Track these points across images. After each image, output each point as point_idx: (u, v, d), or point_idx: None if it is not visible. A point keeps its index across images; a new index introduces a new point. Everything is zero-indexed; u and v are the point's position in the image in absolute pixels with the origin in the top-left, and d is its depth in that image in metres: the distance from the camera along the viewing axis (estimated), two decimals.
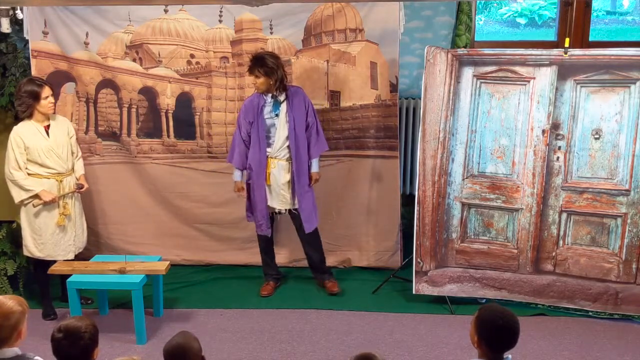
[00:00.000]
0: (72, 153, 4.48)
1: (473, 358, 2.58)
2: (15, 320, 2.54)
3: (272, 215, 4.72)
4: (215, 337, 4.19)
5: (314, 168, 4.66)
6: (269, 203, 4.63)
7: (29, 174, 4.27)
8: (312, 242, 4.78)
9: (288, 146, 4.55)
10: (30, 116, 4.30)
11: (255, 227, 4.75)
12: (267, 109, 4.52)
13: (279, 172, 4.58)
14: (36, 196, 4.26)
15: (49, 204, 4.30)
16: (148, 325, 4.17)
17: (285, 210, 4.68)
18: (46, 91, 4.26)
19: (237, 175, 4.67)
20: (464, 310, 4.44)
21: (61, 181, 4.36)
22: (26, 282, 4.78)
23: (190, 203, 5.25)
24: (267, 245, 4.84)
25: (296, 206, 4.63)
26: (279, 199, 4.62)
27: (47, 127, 4.34)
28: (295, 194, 4.60)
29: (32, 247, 4.39)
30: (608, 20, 6.78)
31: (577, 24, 5.23)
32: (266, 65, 4.39)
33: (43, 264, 4.38)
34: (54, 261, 4.35)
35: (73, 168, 4.49)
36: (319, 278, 4.91)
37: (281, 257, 5.24)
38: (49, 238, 4.37)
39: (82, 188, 4.49)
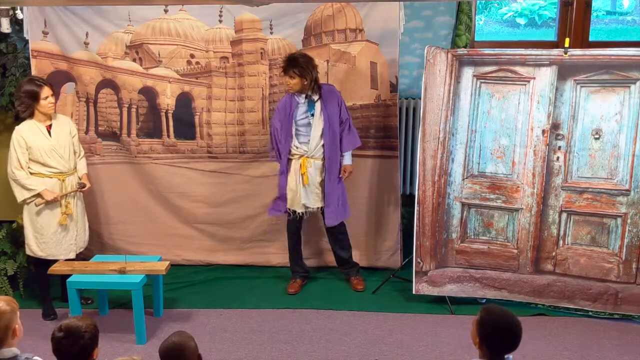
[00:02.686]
0: (75, 152, 4.49)
1: (474, 358, 2.58)
2: (7, 320, 2.53)
3: (303, 214, 4.74)
4: (215, 337, 4.19)
5: (347, 161, 4.70)
6: (304, 201, 4.66)
7: (31, 174, 4.28)
8: (338, 238, 4.84)
9: (323, 144, 4.59)
10: (31, 116, 4.31)
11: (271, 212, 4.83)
12: (302, 109, 4.57)
13: (315, 172, 4.63)
14: (38, 195, 4.27)
15: (51, 203, 4.31)
16: (148, 325, 4.17)
17: (318, 208, 4.71)
18: (45, 91, 4.26)
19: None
20: (464, 310, 4.44)
21: (63, 180, 4.36)
22: (26, 282, 4.79)
23: (190, 203, 5.25)
24: (295, 244, 4.88)
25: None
26: (313, 197, 4.66)
27: (49, 127, 4.34)
28: (325, 189, 4.64)
29: (35, 246, 4.39)
30: (608, 20, 6.78)
31: (577, 24, 5.22)
32: (300, 65, 4.44)
33: (44, 264, 4.39)
34: (56, 260, 4.36)
35: (76, 167, 4.50)
36: (345, 273, 4.97)
37: (282, 257, 5.25)
38: (51, 237, 4.37)
39: (84, 187, 4.49)
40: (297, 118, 4.58)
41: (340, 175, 4.68)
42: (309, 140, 4.60)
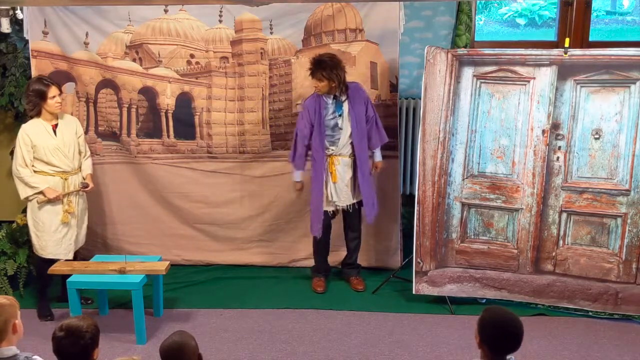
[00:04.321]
0: (80, 152, 4.50)
1: (475, 358, 2.58)
2: (8, 314, 2.55)
3: (333, 213, 4.78)
4: (215, 337, 4.19)
5: (378, 157, 4.77)
6: (334, 199, 4.70)
7: (35, 172, 4.29)
8: (356, 238, 4.90)
9: (351, 142, 4.62)
10: (38, 115, 4.33)
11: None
12: (330, 109, 4.59)
13: (343, 169, 4.67)
14: (41, 193, 4.28)
15: (52, 202, 4.31)
16: (148, 325, 4.17)
17: (348, 206, 4.74)
18: (53, 91, 4.29)
19: (297, 175, 4.72)
20: (464, 310, 4.44)
21: (66, 179, 4.36)
22: (26, 282, 4.78)
23: (190, 203, 5.25)
24: (326, 243, 4.88)
25: (358, 199, 4.72)
26: (343, 195, 4.70)
27: (55, 126, 4.36)
28: (359, 186, 4.68)
29: (37, 245, 4.41)
30: (608, 20, 6.78)
31: (577, 24, 5.23)
32: (328, 68, 4.46)
33: (48, 263, 4.38)
34: (57, 260, 4.36)
35: (80, 167, 4.50)
36: (346, 273, 4.99)
37: (281, 257, 5.26)
38: (52, 236, 4.37)
39: (87, 187, 4.49)
40: (325, 118, 4.59)
41: (372, 172, 4.75)
42: (334, 140, 4.62)
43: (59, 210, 4.37)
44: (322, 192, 4.67)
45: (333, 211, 4.78)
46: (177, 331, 2.68)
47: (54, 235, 4.38)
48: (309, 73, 4.55)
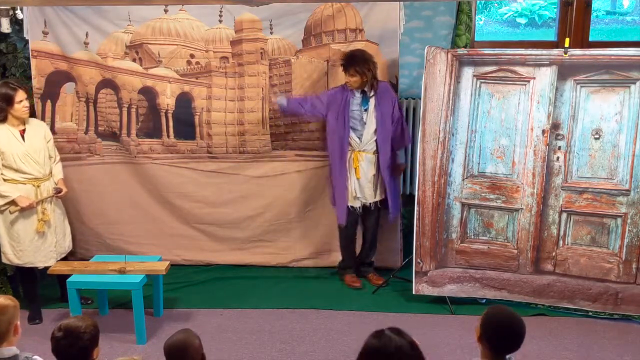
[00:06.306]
0: (50, 157, 4.38)
1: (475, 357, 2.58)
2: (11, 315, 2.56)
3: (358, 209, 4.79)
4: (215, 337, 4.19)
5: (401, 159, 4.89)
6: (359, 195, 4.73)
7: (5, 180, 4.15)
8: (373, 237, 4.93)
9: (375, 140, 4.66)
10: (4, 120, 4.18)
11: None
12: (356, 102, 4.64)
13: (367, 165, 4.70)
14: (13, 202, 4.15)
15: (26, 210, 4.19)
16: (148, 325, 4.17)
17: (370, 203, 4.77)
18: (20, 95, 4.16)
19: (281, 99, 4.78)
20: (464, 310, 4.44)
21: (38, 186, 4.25)
22: None
23: (190, 203, 5.25)
24: (352, 239, 4.93)
25: (380, 198, 4.76)
26: (366, 191, 4.73)
27: (22, 132, 4.23)
28: (385, 183, 4.73)
29: (11, 254, 4.28)
30: (608, 20, 6.79)
31: (577, 24, 5.22)
32: (360, 63, 4.53)
33: (25, 270, 4.34)
34: (34, 268, 4.32)
35: (51, 172, 4.38)
36: (364, 271, 5.01)
37: (281, 257, 5.26)
38: (28, 245, 4.26)
39: (60, 192, 4.37)
40: (351, 108, 4.63)
41: (396, 176, 4.85)
42: (360, 135, 4.66)
43: (34, 220, 4.25)
44: (345, 186, 4.69)
45: (359, 207, 4.78)
46: (183, 329, 2.69)
47: (30, 244, 4.27)
48: (341, 68, 4.61)
